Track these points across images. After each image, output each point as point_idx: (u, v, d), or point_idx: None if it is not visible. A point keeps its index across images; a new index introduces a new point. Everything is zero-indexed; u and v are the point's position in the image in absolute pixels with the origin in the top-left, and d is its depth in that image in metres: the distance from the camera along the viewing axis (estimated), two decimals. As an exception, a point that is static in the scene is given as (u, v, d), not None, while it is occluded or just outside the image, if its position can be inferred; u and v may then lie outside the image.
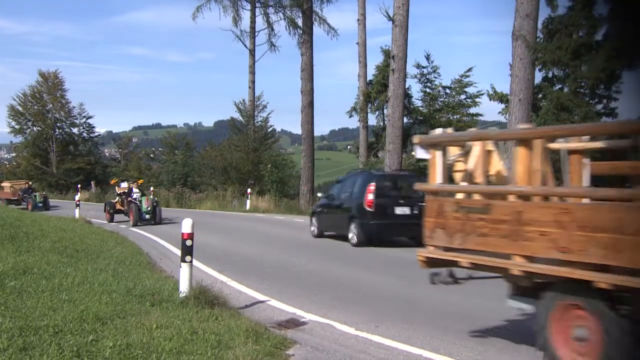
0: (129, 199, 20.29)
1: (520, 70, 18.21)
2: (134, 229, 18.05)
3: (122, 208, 21.26)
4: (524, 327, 6.86)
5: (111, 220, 21.02)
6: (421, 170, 30.89)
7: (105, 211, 21.59)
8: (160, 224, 19.71)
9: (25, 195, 31.23)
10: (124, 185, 22.30)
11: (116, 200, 22.02)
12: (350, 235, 14.31)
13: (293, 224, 19.82)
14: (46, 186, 45.92)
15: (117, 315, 6.14)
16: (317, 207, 17.04)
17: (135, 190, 20.28)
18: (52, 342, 4.99)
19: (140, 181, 22.93)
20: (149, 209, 19.71)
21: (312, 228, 16.53)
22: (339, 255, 13.09)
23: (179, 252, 7.94)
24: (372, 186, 13.93)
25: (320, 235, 16.17)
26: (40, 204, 29.72)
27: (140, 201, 19.85)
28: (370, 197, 13.81)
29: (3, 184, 35.18)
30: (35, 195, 30.48)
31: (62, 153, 50.82)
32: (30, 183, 34.68)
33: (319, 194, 19.31)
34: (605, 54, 17.05)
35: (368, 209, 13.81)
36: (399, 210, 13.86)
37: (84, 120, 52.97)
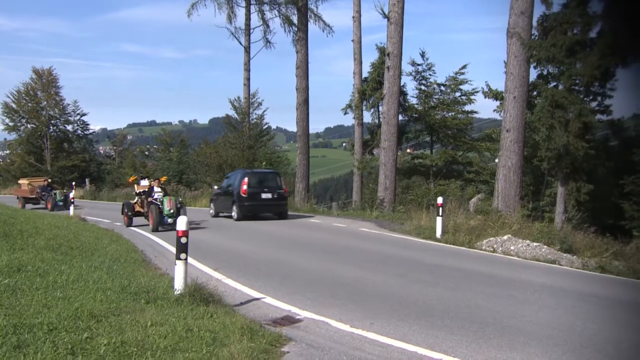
0: (149, 199, 17.75)
1: (515, 68, 18.27)
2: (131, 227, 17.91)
3: (141, 210, 18.55)
4: (518, 324, 6.89)
5: (130, 224, 18.27)
6: (413, 169, 31.11)
7: (122, 214, 18.78)
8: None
9: (44, 193, 28.46)
10: (144, 183, 19.67)
11: (135, 200, 19.09)
12: (232, 214, 20.38)
13: (287, 221, 19.83)
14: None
15: (112, 312, 6.13)
16: (213, 196, 22.87)
17: (156, 189, 17.84)
18: (46, 339, 4.99)
19: (163, 178, 19.84)
20: (171, 211, 16.93)
21: (210, 210, 22.45)
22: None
23: (173, 250, 7.92)
24: (245, 179, 20.09)
25: (216, 215, 21.91)
26: (61, 203, 27.06)
27: (162, 202, 17.18)
28: (244, 187, 19.93)
29: (20, 181, 32.87)
30: (55, 194, 27.58)
31: (57, 150, 50.65)
32: (49, 180, 31.49)
33: (214, 187, 24.07)
34: (600, 51, 17.11)
35: (243, 195, 19.90)
36: (264, 196, 20.29)
37: (78, 117, 52.79)
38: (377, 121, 29.37)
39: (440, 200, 15.46)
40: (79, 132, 53.48)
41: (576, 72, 18.27)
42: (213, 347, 5.36)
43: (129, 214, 18.52)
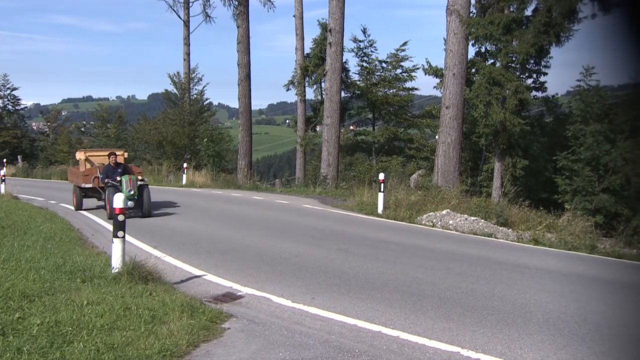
0: None
1: (454, 45, 18.54)
2: (65, 204, 17.23)
3: None
4: (455, 295, 7.07)
5: None
6: (360, 145, 31.36)
7: None
8: None
9: (107, 180, 14.52)
10: None
11: None
12: None
13: (230, 199, 19.66)
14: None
15: (46, 292, 5.97)
16: None
17: None
18: (-26, 321, 4.81)
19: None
20: None
21: None
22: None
23: (111, 228, 7.72)
24: None
25: None
26: (133, 199, 14.17)
27: None
28: None
29: (77, 155, 17.52)
30: (120, 181, 14.09)
31: (-14, 126, 48.41)
32: (123, 154, 16.62)
33: None
34: (535, 29, 17.55)
35: None
36: None
37: (8, 92, 50.47)
38: (319, 98, 29.30)
39: (382, 176, 15.63)
40: (10, 107, 51.18)
41: (512, 49, 18.71)
42: (152, 325, 5.29)
43: None
